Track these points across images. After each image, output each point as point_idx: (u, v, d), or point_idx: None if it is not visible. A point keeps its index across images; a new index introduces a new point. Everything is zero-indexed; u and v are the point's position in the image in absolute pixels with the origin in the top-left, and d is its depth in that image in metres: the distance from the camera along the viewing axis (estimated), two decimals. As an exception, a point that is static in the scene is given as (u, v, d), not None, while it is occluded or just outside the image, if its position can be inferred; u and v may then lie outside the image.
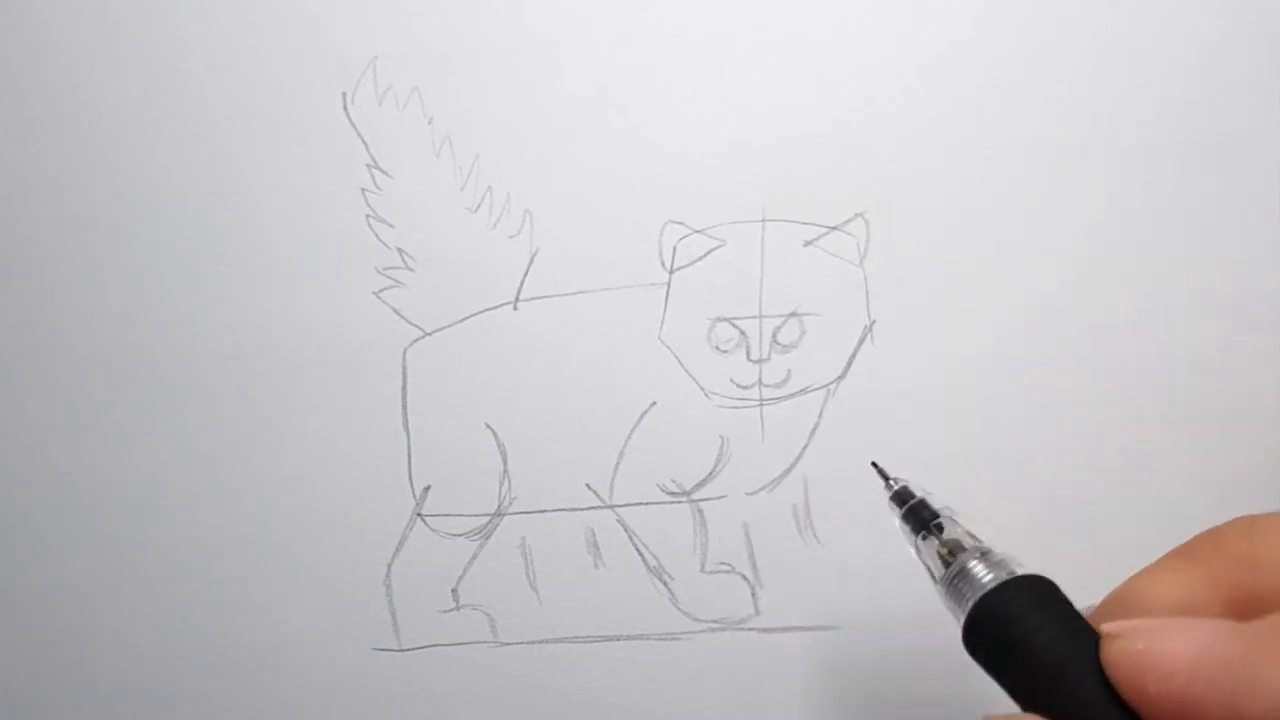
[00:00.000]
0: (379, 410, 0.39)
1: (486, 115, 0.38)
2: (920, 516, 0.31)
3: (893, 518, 0.32)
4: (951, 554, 0.30)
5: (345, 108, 0.38)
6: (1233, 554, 0.28)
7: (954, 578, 0.29)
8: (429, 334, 0.39)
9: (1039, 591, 0.28)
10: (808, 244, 0.39)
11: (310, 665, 0.40)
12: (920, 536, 0.31)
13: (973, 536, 0.30)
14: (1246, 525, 0.29)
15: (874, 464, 0.33)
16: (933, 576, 0.30)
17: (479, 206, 0.38)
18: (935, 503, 0.32)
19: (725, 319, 0.39)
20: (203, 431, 0.39)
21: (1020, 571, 0.28)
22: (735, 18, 0.38)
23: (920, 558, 0.31)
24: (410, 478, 0.39)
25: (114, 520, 0.39)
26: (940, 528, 0.31)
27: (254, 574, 0.40)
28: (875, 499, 0.40)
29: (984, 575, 0.28)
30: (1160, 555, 0.34)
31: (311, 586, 0.40)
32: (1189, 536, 0.41)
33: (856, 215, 0.38)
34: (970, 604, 0.28)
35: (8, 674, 0.40)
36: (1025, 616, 0.27)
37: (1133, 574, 0.29)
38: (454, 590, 0.40)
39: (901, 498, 0.32)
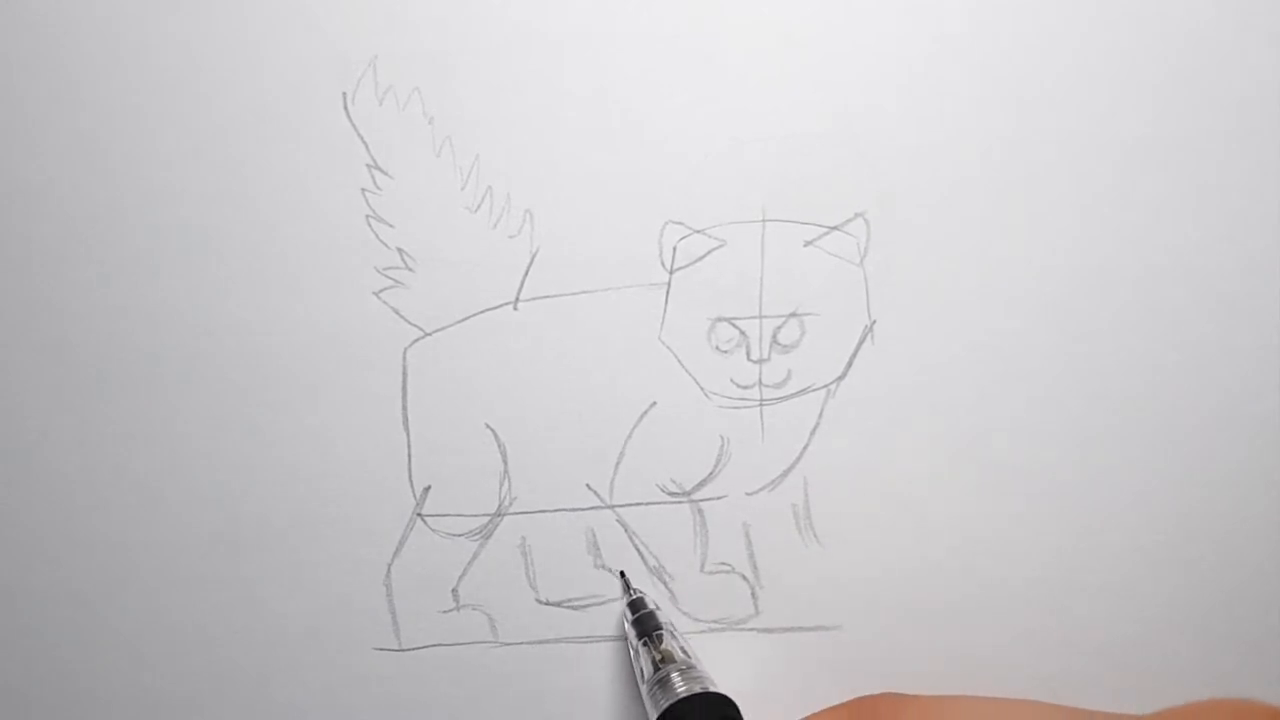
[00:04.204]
0: (379, 410, 0.39)
1: (486, 115, 0.38)
2: (645, 625, 0.37)
3: (624, 622, 0.39)
4: (663, 661, 0.36)
5: (345, 108, 0.38)
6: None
7: (658, 681, 0.35)
8: (429, 334, 0.39)
9: (718, 708, 0.34)
10: (808, 244, 0.39)
11: (310, 665, 0.40)
12: (642, 641, 0.37)
13: (685, 653, 0.36)
14: (896, 700, 0.36)
15: (621, 573, 0.39)
16: (641, 676, 0.36)
17: (479, 206, 0.38)
18: (662, 618, 0.38)
19: (725, 319, 0.39)
20: (203, 431, 0.39)
21: (711, 689, 0.34)
22: (735, 18, 0.38)
23: (636, 660, 0.37)
24: (410, 478, 0.39)
25: (114, 520, 0.39)
26: (660, 638, 0.36)
27: (254, 574, 0.40)
28: (875, 499, 0.40)
29: (679, 686, 0.34)
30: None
31: (311, 586, 0.40)
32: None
33: (856, 215, 0.38)
34: (663, 706, 0.34)
35: (8, 674, 0.40)
36: None
37: (800, 718, 0.36)
38: (454, 590, 0.40)
39: (635, 606, 0.38)
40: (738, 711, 0.34)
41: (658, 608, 0.38)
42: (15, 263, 0.38)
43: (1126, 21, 0.38)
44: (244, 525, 0.39)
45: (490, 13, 0.37)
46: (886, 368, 0.39)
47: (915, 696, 0.37)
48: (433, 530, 0.39)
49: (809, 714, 0.37)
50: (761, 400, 0.39)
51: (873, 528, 0.40)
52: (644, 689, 0.36)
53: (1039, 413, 0.39)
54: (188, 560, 0.40)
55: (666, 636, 0.37)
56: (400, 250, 0.38)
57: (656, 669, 0.35)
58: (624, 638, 0.40)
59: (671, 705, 0.34)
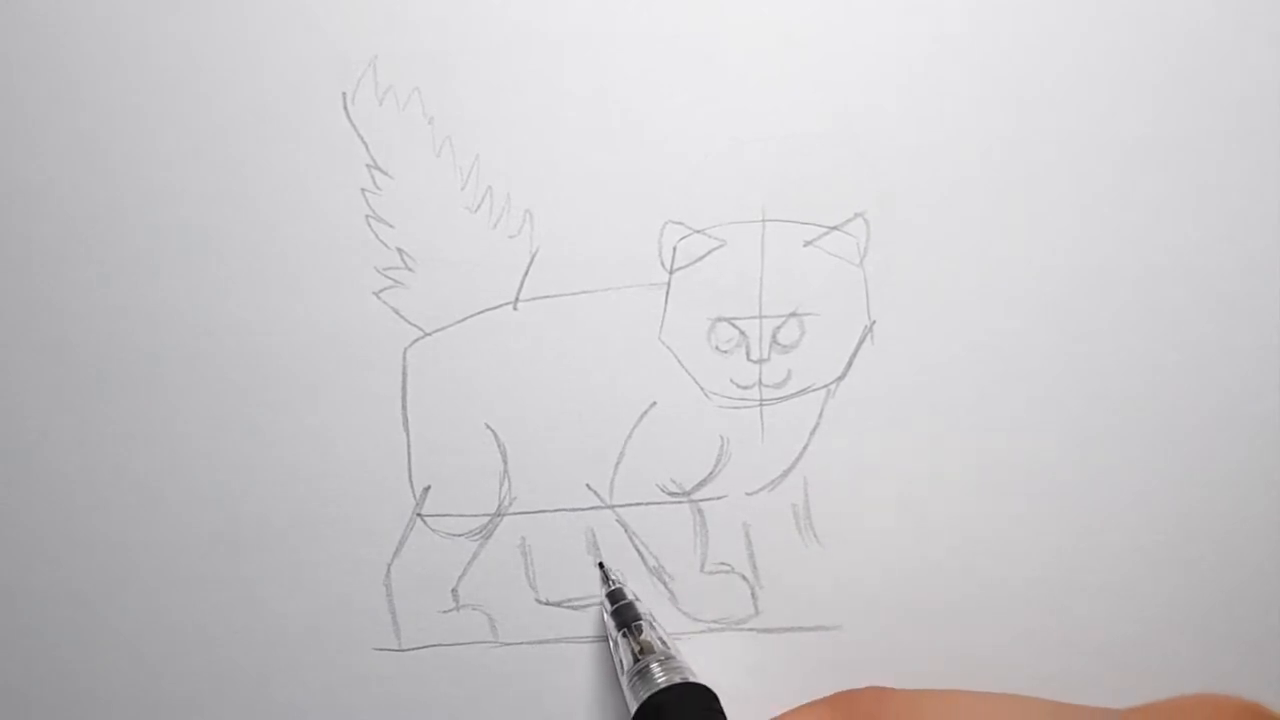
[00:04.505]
0: (379, 410, 0.39)
1: (486, 115, 0.38)
2: (624, 616, 0.37)
3: (603, 613, 0.38)
4: (643, 652, 0.36)
5: (345, 108, 0.38)
6: (864, 713, 0.36)
7: (638, 672, 0.35)
8: (429, 334, 0.39)
9: (698, 699, 0.33)
10: (808, 244, 0.39)
11: (310, 665, 0.40)
12: (621, 633, 0.37)
13: (663, 643, 0.36)
14: (878, 694, 0.36)
15: (600, 564, 0.39)
16: (621, 667, 0.36)
17: (479, 206, 0.38)
18: (641, 609, 0.38)
19: (725, 319, 0.39)
20: (203, 431, 0.39)
21: (690, 680, 0.34)
22: (735, 18, 0.38)
23: (616, 651, 0.37)
24: (410, 478, 0.39)
25: (114, 520, 0.39)
26: (639, 629, 0.36)
27: (254, 574, 0.40)
28: (875, 499, 0.40)
29: (659, 676, 0.34)
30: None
31: (311, 586, 0.40)
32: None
33: (856, 215, 0.38)
34: (643, 697, 0.34)
35: (8, 674, 0.40)
36: (680, 716, 0.33)
37: (784, 712, 0.36)
38: (454, 590, 0.40)
39: (614, 597, 0.38)
40: (718, 702, 0.34)
41: (637, 598, 0.38)
42: (15, 263, 0.38)
43: (1126, 21, 0.38)
44: (244, 525, 0.39)
45: (490, 13, 0.37)
46: (886, 368, 0.39)
47: (897, 690, 0.37)
48: (433, 530, 0.39)
49: (791, 708, 0.37)
50: (761, 400, 0.39)
51: (873, 528, 0.40)
52: (624, 680, 0.36)
53: (1039, 413, 0.39)
54: (188, 560, 0.40)
55: (646, 627, 0.37)
56: (400, 250, 0.38)
57: (636, 660, 0.36)
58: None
59: (651, 695, 0.34)
